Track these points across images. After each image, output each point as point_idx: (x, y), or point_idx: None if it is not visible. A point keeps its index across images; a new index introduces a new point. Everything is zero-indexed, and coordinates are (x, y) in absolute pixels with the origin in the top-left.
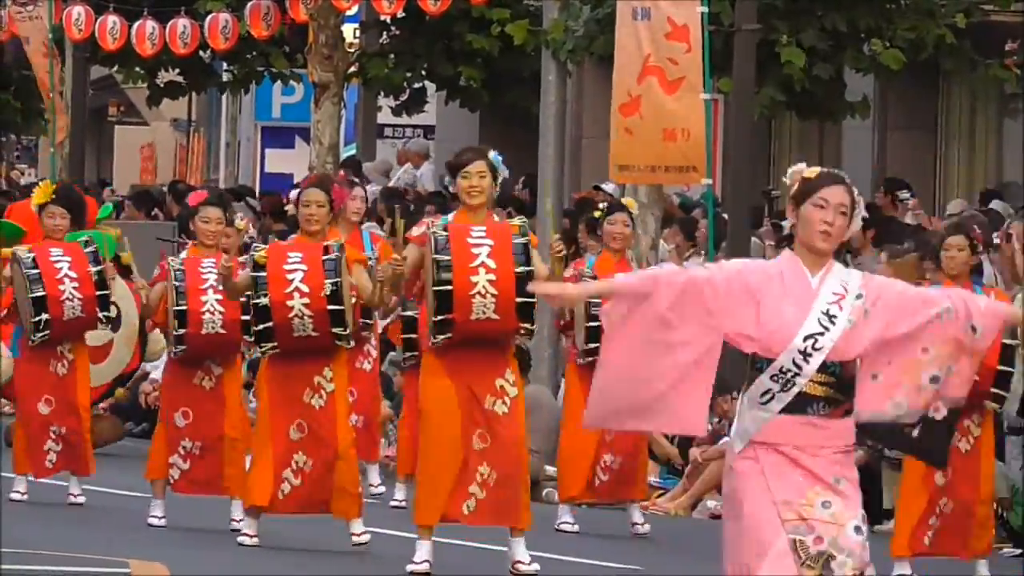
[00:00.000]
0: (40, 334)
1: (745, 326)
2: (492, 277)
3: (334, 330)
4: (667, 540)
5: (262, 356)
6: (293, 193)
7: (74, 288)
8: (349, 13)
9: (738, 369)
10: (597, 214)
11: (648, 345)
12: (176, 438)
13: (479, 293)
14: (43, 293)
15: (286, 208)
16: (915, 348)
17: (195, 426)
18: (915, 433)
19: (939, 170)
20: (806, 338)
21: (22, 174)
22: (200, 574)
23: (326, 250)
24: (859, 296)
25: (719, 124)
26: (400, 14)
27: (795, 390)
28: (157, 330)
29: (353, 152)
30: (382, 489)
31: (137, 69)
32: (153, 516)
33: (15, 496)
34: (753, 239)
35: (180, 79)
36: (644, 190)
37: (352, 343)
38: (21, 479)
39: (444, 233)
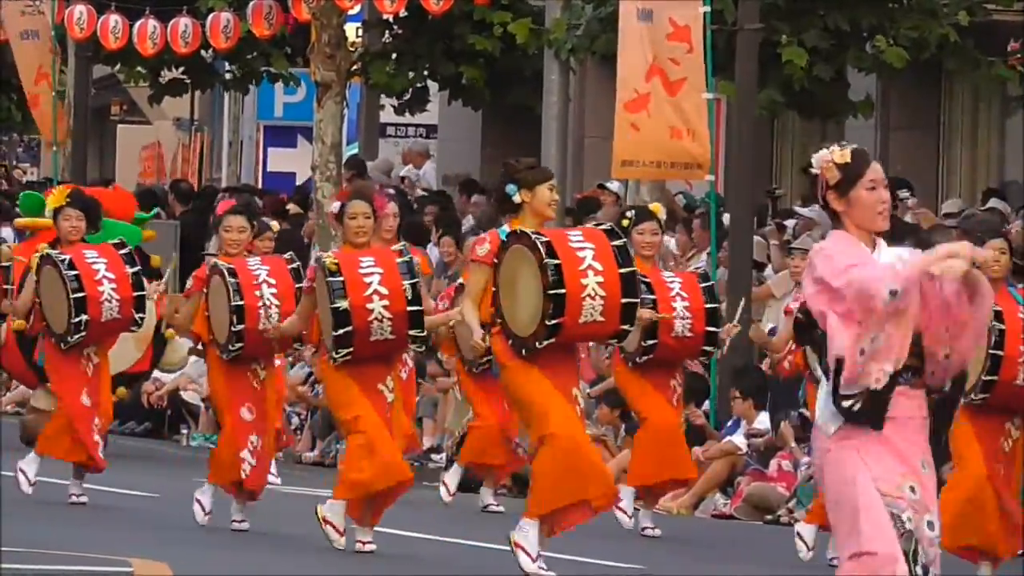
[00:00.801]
0: (77, 336)
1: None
2: (600, 280)
3: (411, 332)
4: (670, 539)
5: (333, 363)
6: (334, 206)
7: (112, 289)
8: (352, 12)
9: (727, 372)
10: (625, 223)
11: None
12: (244, 433)
13: (589, 295)
14: (83, 294)
15: (287, 208)
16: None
17: (256, 423)
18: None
19: (941, 169)
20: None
21: (24, 173)
22: (202, 574)
23: (399, 253)
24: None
25: (721, 124)
26: (402, 13)
27: None
28: (179, 338)
29: (356, 151)
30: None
31: (139, 68)
32: (234, 521)
33: (18, 495)
34: (756, 238)
35: (183, 77)
36: (647, 188)
37: (424, 346)
38: (25, 479)
39: (544, 238)
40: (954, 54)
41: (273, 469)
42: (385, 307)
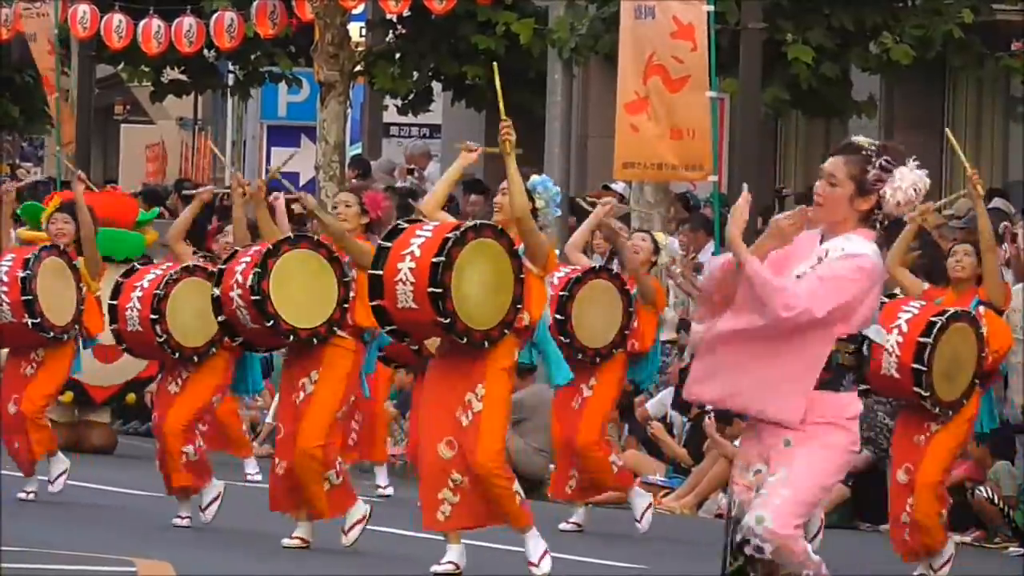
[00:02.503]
0: None
1: None
2: (412, 266)
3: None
4: (673, 539)
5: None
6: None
7: (3, 292)
8: (355, 12)
9: None
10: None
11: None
12: None
13: (400, 280)
14: None
15: (292, 208)
16: None
17: None
18: None
19: (945, 169)
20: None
21: (28, 172)
22: (206, 574)
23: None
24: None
25: (725, 123)
26: (406, 13)
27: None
28: None
29: (359, 151)
30: (390, 491)
31: (143, 68)
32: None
33: (22, 495)
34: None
35: (185, 77)
36: (651, 189)
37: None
38: (31, 479)
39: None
40: (959, 50)
41: (383, 477)
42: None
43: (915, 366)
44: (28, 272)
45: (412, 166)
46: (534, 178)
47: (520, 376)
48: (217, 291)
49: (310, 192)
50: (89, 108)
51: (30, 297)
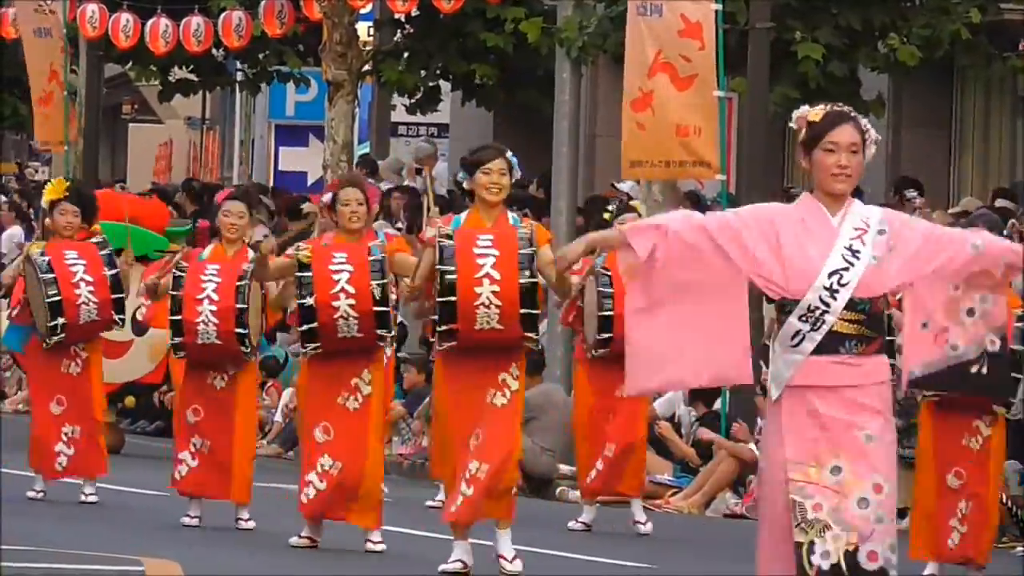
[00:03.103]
0: (55, 338)
1: (766, 265)
2: (496, 288)
3: (379, 331)
4: (680, 538)
5: (302, 356)
6: (326, 196)
7: (90, 292)
8: (363, 11)
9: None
10: (607, 216)
11: (677, 291)
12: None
13: (483, 304)
14: (59, 297)
15: (302, 207)
16: (946, 287)
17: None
18: (982, 371)
19: (953, 168)
20: (831, 274)
21: (36, 172)
22: (214, 573)
23: (370, 251)
24: (881, 231)
25: (733, 122)
26: (414, 12)
27: (825, 328)
28: None
29: (367, 150)
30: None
31: (151, 67)
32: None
33: (31, 494)
34: None
35: (193, 77)
36: (658, 187)
37: (392, 345)
38: (38, 477)
39: (450, 243)
40: (967, 50)
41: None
42: (351, 306)
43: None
44: (116, 270)
45: (420, 166)
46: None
47: (528, 375)
48: (311, 300)
49: (316, 191)
50: (97, 107)
51: (121, 296)
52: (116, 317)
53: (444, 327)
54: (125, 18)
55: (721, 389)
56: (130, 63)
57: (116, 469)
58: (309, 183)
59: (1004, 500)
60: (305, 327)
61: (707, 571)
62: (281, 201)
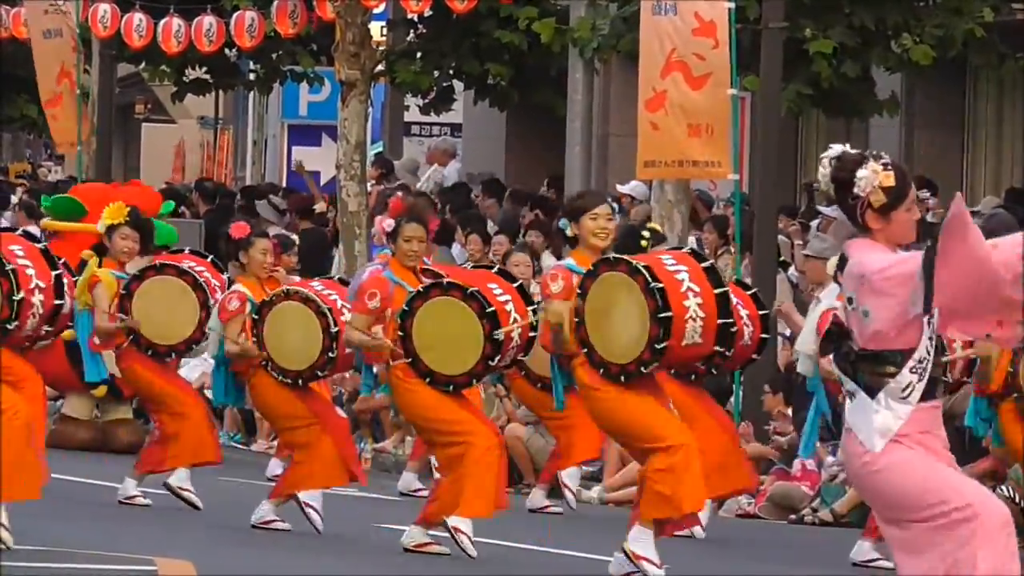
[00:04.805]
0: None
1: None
2: (699, 301)
3: None
4: (694, 539)
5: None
6: (388, 223)
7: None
8: (376, 11)
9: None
10: (643, 243)
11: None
12: None
13: (691, 318)
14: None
15: (314, 208)
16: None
17: None
18: None
19: (966, 168)
20: (928, 321)
21: (49, 172)
22: (227, 573)
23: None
24: None
25: (746, 121)
26: (427, 12)
27: (927, 377)
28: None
29: (380, 150)
30: None
31: (163, 67)
32: None
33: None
34: (780, 238)
35: (206, 76)
36: (671, 187)
37: None
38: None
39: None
40: (980, 50)
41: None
42: None
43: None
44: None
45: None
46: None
47: None
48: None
49: (329, 191)
50: (110, 107)
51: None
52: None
53: (661, 345)
54: (138, 18)
55: (734, 390)
56: (143, 63)
57: (129, 468)
58: (322, 183)
59: (1017, 499)
60: None
61: (720, 571)
62: (292, 201)
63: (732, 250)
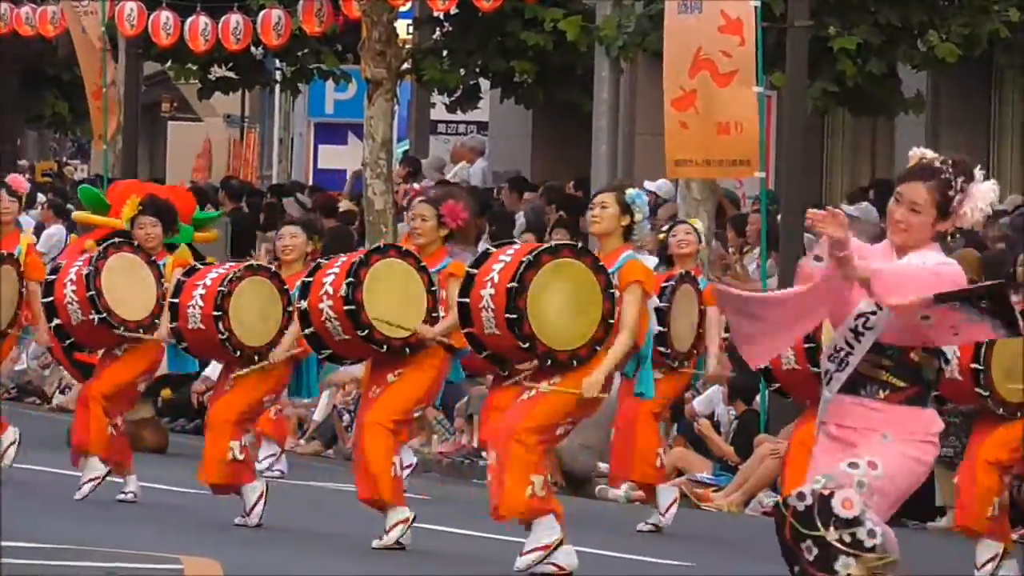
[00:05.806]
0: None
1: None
2: (491, 292)
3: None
4: (720, 537)
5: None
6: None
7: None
8: (402, 9)
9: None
10: (661, 237)
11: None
12: None
13: (483, 308)
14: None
15: (338, 205)
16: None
17: None
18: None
19: (992, 166)
20: (858, 316)
21: (75, 170)
22: (254, 573)
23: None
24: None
25: (772, 119)
26: (453, 10)
27: (848, 369)
28: None
29: (407, 148)
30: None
31: (189, 65)
32: None
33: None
34: (806, 235)
35: (232, 75)
36: (697, 186)
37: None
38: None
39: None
40: (1005, 49)
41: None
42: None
43: (973, 366)
44: (92, 268)
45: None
46: (630, 192)
47: None
48: (304, 303)
49: (357, 190)
50: (136, 105)
51: (94, 293)
52: (93, 317)
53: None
54: (165, 16)
55: (760, 388)
56: (169, 61)
57: (155, 467)
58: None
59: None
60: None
61: (746, 570)
62: (317, 198)
63: (751, 249)
